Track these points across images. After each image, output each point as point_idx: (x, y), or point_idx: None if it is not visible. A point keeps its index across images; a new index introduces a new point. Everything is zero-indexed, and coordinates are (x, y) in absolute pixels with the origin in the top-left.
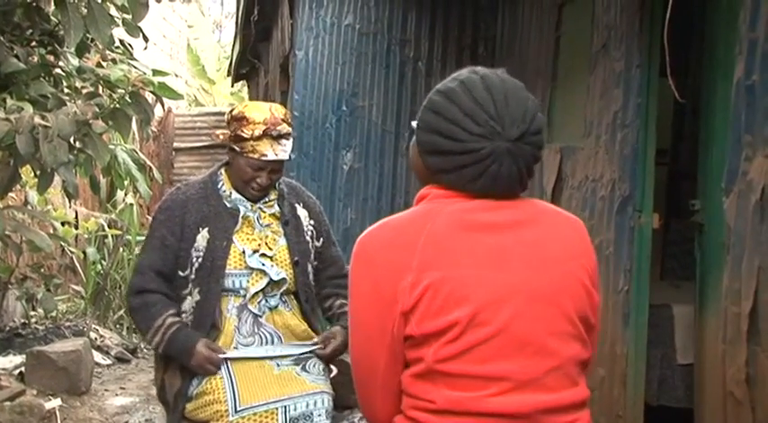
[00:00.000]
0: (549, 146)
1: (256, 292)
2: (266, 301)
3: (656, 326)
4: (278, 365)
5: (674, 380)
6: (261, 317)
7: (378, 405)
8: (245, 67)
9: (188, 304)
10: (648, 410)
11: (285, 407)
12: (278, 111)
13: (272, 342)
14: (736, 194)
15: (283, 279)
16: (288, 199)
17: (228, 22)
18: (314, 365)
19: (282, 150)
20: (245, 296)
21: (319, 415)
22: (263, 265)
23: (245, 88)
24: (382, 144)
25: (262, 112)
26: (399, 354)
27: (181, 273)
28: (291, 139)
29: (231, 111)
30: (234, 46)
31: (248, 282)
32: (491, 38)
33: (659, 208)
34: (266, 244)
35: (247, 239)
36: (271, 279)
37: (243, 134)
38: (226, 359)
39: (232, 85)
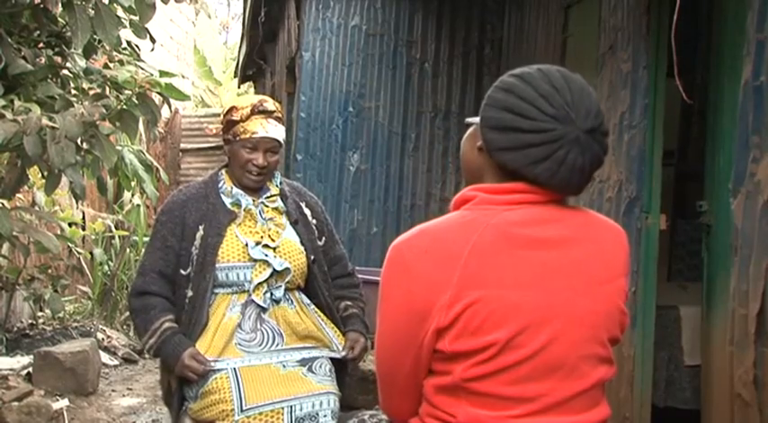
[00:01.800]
0: None
1: (260, 283)
2: (271, 293)
3: (663, 327)
4: (284, 366)
5: (682, 381)
6: (265, 312)
7: (395, 403)
8: (252, 69)
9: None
10: (656, 412)
11: (291, 407)
12: (264, 96)
13: (273, 340)
14: (744, 195)
15: (287, 269)
16: (291, 197)
17: (235, 24)
18: (320, 366)
19: (273, 128)
20: (248, 291)
21: (325, 416)
22: (266, 255)
23: (252, 90)
24: (389, 145)
25: (248, 98)
26: (425, 363)
27: (183, 271)
28: (282, 126)
29: (222, 110)
30: (240, 47)
31: (252, 273)
32: (498, 39)
33: (666, 209)
34: (269, 236)
35: (250, 232)
36: (274, 270)
37: (233, 118)
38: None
39: (239, 87)
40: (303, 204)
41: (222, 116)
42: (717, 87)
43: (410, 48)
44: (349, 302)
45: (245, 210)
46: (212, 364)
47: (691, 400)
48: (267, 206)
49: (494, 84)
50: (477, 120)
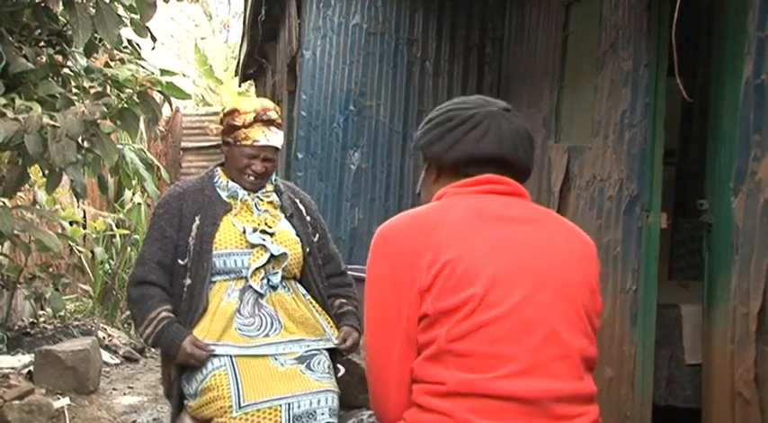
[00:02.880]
0: (557, 145)
1: (258, 268)
2: (268, 279)
3: (663, 326)
4: (282, 364)
5: (683, 380)
6: (263, 297)
7: (391, 400)
8: (253, 67)
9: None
10: (656, 410)
11: (289, 404)
12: (267, 102)
13: (272, 325)
14: (745, 194)
15: (284, 255)
16: (286, 193)
17: (236, 22)
18: (318, 363)
19: (274, 136)
20: (246, 277)
21: (322, 414)
22: (264, 240)
23: (253, 88)
24: (390, 144)
25: (251, 103)
26: (413, 338)
27: (180, 261)
28: (282, 132)
29: (223, 108)
30: (241, 46)
31: (249, 259)
32: (498, 38)
33: (667, 208)
34: (266, 223)
35: (246, 221)
36: (272, 254)
37: (235, 123)
38: (230, 355)
39: (239, 85)
40: (298, 201)
41: (222, 116)
42: (718, 86)
43: (411, 46)
44: (343, 300)
45: (241, 201)
46: (212, 348)
47: (692, 398)
48: (262, 200)
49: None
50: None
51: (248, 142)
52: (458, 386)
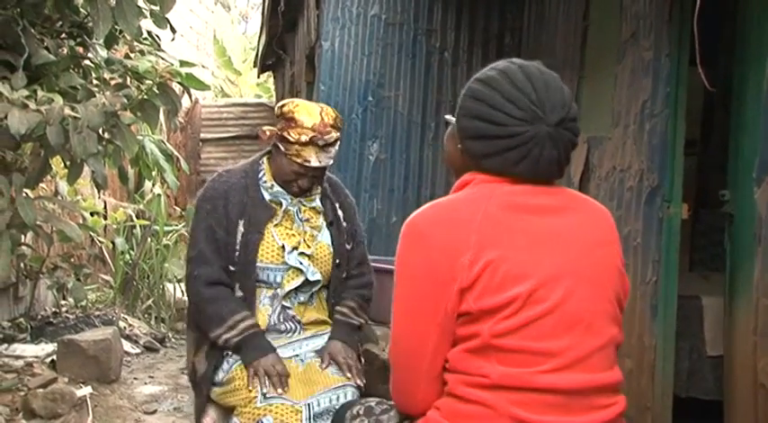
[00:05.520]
0: None
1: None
2: (297, 296)
3: (684, 317)
4: (302, 361)
5: (704, 372)
6: (290, 308)
7: (420, 390)
8: (272, 59)
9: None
10: (677, 402)
11: (309, 404)
12: (328, 115)
13: (295, 328)
14: None
15: (318, 280)
16: (330, 197)
17: (255, 14)
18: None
19: (327, 157)
20: (277, 289)
21: None
22: (302, 264)
23: (272, 79)
24: (408, 135)
25: (311, 117)
26: (449, 332)
27: (231, 267)
28: (338, 143)
29: (282, 106)
30: (260, 37)
31: (283, 278)
32: (518, 28)
33: (688, 198)
34: (305, 241)
35: (287, 234)
36: (306, 278)
37: (289, 137)
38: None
39: (258, 77)
40: (338, 205)
41: (278, 116)
42: (741, 75)
43: (430, 37)
44: (344, 309)
45: (284, 211)
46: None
47: (713, 390)
48: (305, 205)
49: (464, 90)
50: (453, 119)
51: (298, 160)
52: (501, 379)
